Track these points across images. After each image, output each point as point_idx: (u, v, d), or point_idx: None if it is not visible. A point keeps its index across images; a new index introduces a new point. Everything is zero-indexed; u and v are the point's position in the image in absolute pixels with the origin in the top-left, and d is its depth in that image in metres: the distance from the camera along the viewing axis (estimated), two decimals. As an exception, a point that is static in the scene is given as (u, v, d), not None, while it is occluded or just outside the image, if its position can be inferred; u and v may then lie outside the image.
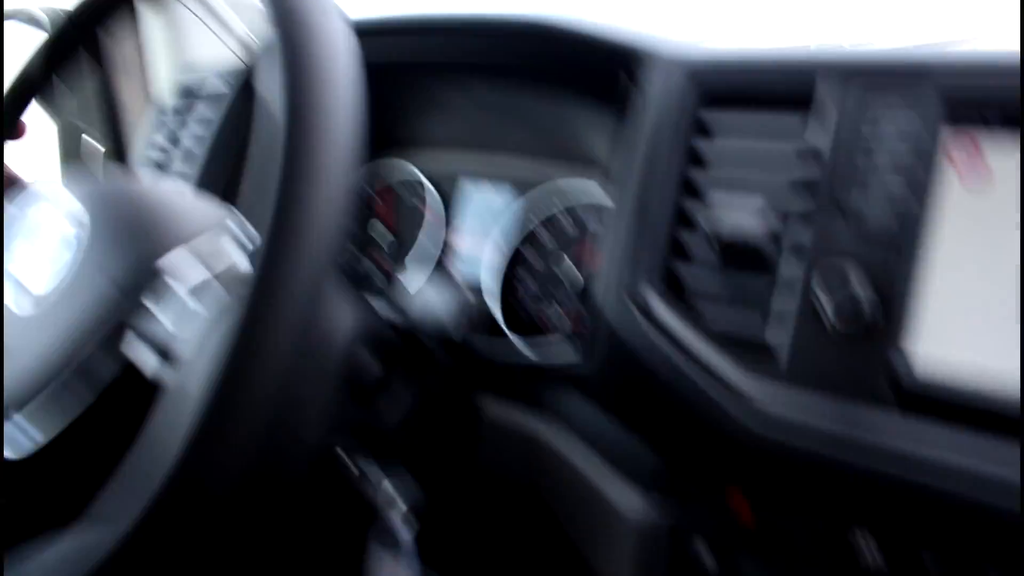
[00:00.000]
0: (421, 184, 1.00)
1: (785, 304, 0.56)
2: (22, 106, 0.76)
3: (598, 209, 0.85)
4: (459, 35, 0.79)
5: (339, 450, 0.64)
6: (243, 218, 0.63)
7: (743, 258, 0.59)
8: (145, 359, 0.53)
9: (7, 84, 0.76)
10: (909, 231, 0.53)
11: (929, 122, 0.54)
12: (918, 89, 0.55)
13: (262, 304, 0.43)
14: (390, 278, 1.00)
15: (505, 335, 0.87)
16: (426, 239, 0.97)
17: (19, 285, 0.62)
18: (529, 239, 0.89)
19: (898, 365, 0.52)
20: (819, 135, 0.58)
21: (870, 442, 0.51)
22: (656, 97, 0.65)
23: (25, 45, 1.30)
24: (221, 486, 0.43)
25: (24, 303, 0.60)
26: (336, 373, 0.62)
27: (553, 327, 0.86)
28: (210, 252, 0.57)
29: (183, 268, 0.55)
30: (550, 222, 0.88)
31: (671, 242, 0.62)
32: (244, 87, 0.99)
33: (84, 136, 1.31)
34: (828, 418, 0.53)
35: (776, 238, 0.58)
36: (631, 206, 0.63)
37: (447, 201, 0.98)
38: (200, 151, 0.98)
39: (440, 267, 0.96)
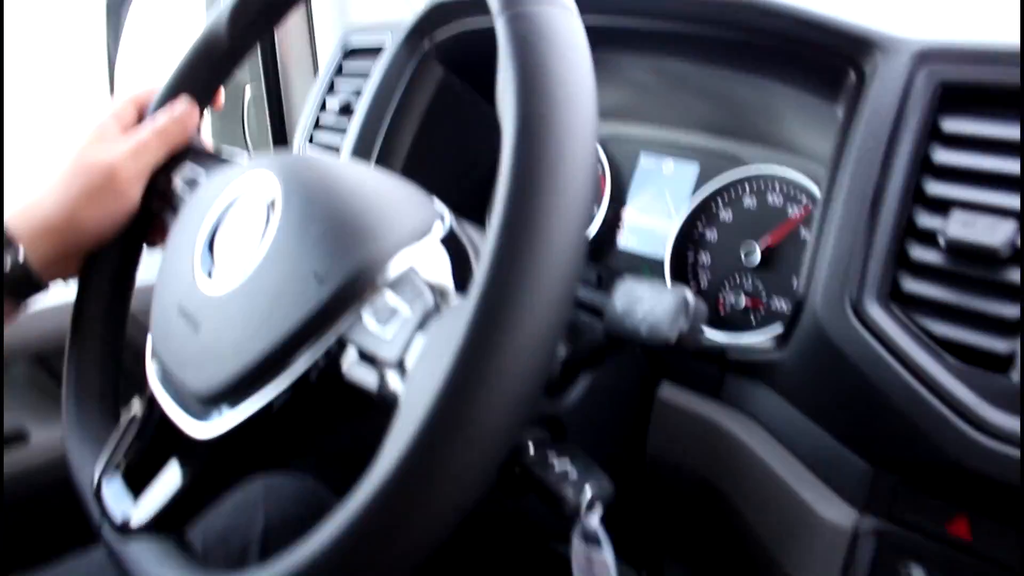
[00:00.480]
0: (598, 157, 0.97)
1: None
2: (221, 77, 0.74)
3: (792, 196, 0.81)
4: (663, 4, 0.75)
5: (530, 445, 0.63)
6: (460, 222, 0.61)
7: (979, 273, 0.56)
8: (366, 377, 0.51)
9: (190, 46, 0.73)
10: None
11: None
12: None
13: (503, 328, 0.40)
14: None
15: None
16: (603, 213, 0.95)
17: (209, 263, 0.60)
18: (712, 219, 0.86)
19: None
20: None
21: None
22: (887, 91, 0.62)
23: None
24: (437, 506, 0.41)
25: (214, 284, 0.58)
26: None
27: (735, 313, 0.83)
28: (428, 260, 0.55)
29: (403, 279, 0.52)
30: (737, 202, 0.85)
31: (900, 254, 0.59)
32: (409, 37, 0.96)
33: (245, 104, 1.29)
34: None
35: (1018, 252, 0.55)
36: (856, 214, 0.60)
37: (625, 174, 0.95)
38: (362, 109, 0.96)
39: (615, 241, 0.94)
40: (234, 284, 0.57)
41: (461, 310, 0.42)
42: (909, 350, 0.57)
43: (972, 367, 0.55)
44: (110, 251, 0.72)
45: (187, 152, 0.73)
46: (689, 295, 0.54)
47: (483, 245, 0.61)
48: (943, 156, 0.59)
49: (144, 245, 0.75)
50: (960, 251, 0.56)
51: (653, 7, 0.76)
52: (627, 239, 0.93)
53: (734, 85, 0.79)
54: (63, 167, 0.69)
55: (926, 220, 0.58)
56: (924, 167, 0.59)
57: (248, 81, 1.26)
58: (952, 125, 0.59)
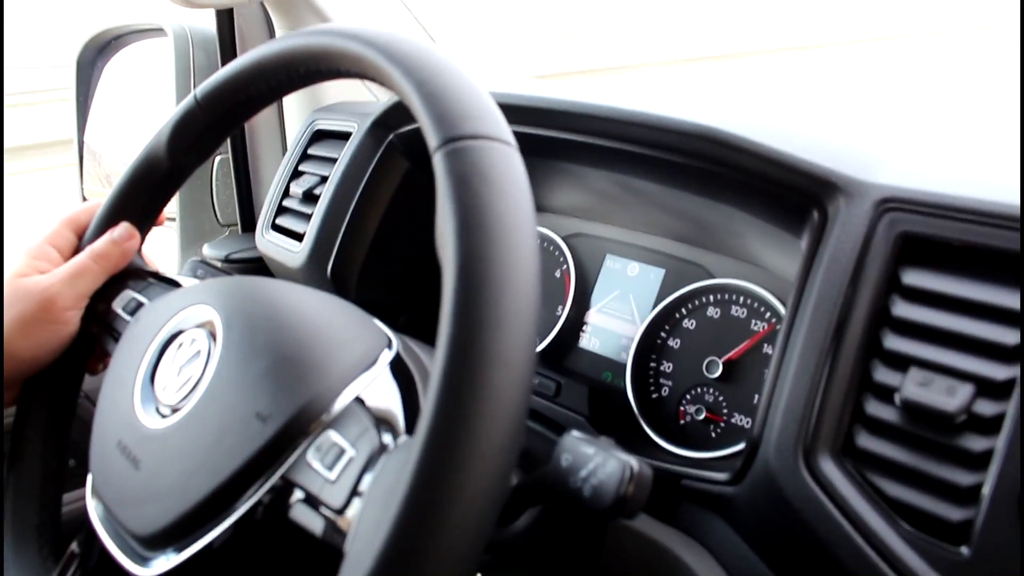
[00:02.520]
0: (563, 255, 0.96)
1: (981, 487, 0.52)
2: (162, 200, 0.72)
3: (757, 311, 0.80)
4: (626, 128, 0.74)
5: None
6: (406, 343, 0.59)
7: (934, 436, 0.54)
8: (311, 521, 0.49)
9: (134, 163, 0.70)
10: None
11: None
12: None
13: (447, 465, 0.40)
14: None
15: (642, 432, 0.83)
16: (566, 312, 0.94)
17: (150, 397, 0.59)
18: (675, 327, 0.85)
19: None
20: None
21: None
22: (848, 237, 0.60)
23: (155, 64, 1.29)
24: None
25: (154, 419, 0.57)
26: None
27: (694, 425, 0.81)
28: (376, 390, 0.53)
29: (346, 416, 0.51)
30: (701, 312, 0.84)
31: (855, 408, 0.57)
32: (375, 127, 0.95)
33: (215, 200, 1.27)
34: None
35: (975, 417, 0.53)
36: (813, 364, 0.59)
37: (590, 274, 0.94)
38: (327, 197, 0.95)
39: (577, 342, 0.92)
40: (174, 420, 0.55)
41: (405, 456, 0.41)
42: (860, 510, 0.55)
43: (924, 534, 0.53)
44: (48, 379, 0.69)
45: (127, 275, 0.71)
46: (635, 463, 0.53)
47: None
48: (902, 310, 0.57)
49: (85, 372, 0.73)
50: (915, 411, 0.55)
51: (615, 130, 0.74)
52: (589, 340, 0.91)
53: (697, 205, 0.77)
54: None
55: (883, 375, 0.57)
56: (883, 320, 0.58)
57: (218, 152, 1.25)
58: (913, 278, 0.58)
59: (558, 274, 0.96)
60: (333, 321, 0.59)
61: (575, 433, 0.59)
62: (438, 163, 0.46)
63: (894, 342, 0.57)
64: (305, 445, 0.50)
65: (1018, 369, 0.53)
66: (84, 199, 1.44)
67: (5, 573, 0.65)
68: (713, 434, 0.81)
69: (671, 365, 0.84)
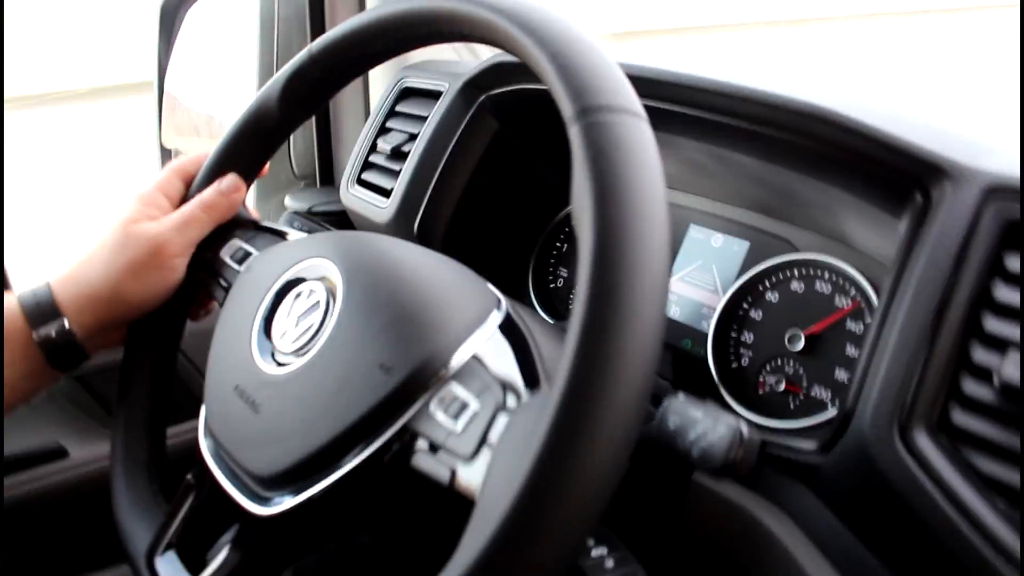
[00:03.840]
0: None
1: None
2: (268, 152, 0.75)
3: (841, 286, 0.81)
4: (729, 102, 0.75)
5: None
6: (512, 304, 0.62)
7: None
8: (436, 469, 0.51)
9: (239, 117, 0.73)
10: None
11: None
12: None
13: (576, 429, 0.41)
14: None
15: (721, 400, 0.85)
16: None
17: (267, 344, 0.61)
18: (758, 298, 0.87)
19: None
20: None
21: None
22: (953, 222, 0.61)
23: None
24: None
25: (274, 366, 0.59)
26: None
27: (773, 396, 0.83)
28: (490, 348, 0.56)
29: (467, 370, 0.53)
30: (785, 285, 0.85)
31: (953, 386, 0.59)
32: (467, 87, 0.97)
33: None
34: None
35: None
36: (913, 341, 0.60)
37: (673, 243, 0.95)
38: (417, 154, 0.97)
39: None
40: (294, 367, 0.58)
41: (538, 409, 0.44)
42: (955, 485, 0.57)
43: (1019, 511, 0.55)
44: (154, 322, 0.72)
45: (233, 225, 0.74)
46: (744, 427, 0.55)
47: (538, 330, 0.62)
48: (1004, 294, 0.59)
49: (188, 318, 0.76)
50: (1012, 393, 0.56)
51: (717, 103, 0.76)
52: (671, 309, 0.93)
53: (789, 178, 0.79)
54: (108, 238, 0.69)
55: (982, 356, 0.59)
56: (984, 302, 0.59)
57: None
58: (1015, 263, 0.59)
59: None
60: (447, 279, 0.61)
61: (681, 396, 0.61)
62: (575, 134, 0.48)
63: (994, 324, 0.59)
64: (427, 397, 0.53)
65: None
66: (162, 148, 1.47)
67: (118, 505, 0.68)
68: (792, 405, 0.82)
69: (752, 336, 0.86)
